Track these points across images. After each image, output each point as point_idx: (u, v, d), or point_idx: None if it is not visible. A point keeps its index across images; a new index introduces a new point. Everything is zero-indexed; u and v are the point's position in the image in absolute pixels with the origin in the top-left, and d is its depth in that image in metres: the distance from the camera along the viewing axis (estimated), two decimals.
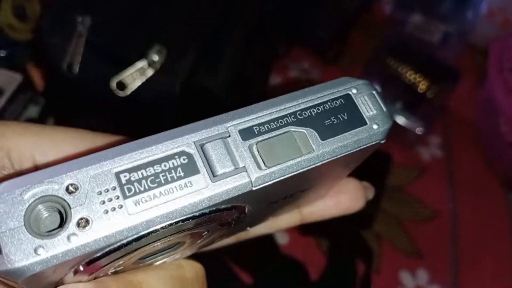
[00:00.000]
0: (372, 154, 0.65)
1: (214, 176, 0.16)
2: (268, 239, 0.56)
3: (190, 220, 0.16)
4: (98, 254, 0.15)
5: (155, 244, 0.17)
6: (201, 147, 0.16)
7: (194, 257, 0.24)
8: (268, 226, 0.27)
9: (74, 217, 0.14)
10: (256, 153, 0.16)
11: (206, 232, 0.19)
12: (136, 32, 0.52)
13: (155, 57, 0.49)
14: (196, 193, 0.15)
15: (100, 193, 0.14)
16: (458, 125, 0.75)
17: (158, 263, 0.21)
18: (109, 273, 0.18)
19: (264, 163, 0.16)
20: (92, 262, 0.15)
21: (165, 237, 0.16)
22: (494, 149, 0.67)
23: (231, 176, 0.16)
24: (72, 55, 0.50)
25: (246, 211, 0.18)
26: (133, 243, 0.15)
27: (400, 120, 0.67)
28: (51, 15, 0.52)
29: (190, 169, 0.16)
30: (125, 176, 0.15)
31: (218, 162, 0.16)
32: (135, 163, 0.15)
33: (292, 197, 0.21)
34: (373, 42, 0.84)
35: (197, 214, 0.16)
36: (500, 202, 0.66)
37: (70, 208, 0.14)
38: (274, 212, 0.24)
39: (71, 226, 0.14)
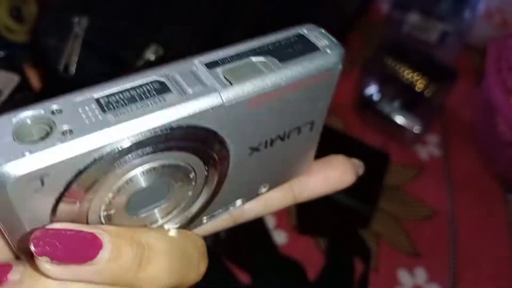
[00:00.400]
0: (370, 153, 0.65)
1: (185, 94, 0.17)
2: (266, 239, 0.56)
3: (169, 130, 0.17)
4: (84, 164, 0.16)
5: (139, 170, 0.18)
6: (172, 77, 0.18)
7: None
8: (263, 206, 0.26)
9: (59, 129, 0.15)
10: (222, 77, 0.18)
11: (192, 173, 0.20)
12: (133, 32, 0.51)
13: (152, 57, 0.49)
14: (170, 105, 0.17)
15: (82, 111, 0.16)
16: (456, 125, 0.75)
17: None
18: (102, 217, 0.18)
19: (230, 83, 0.18)
20: (79, 175, 0.16)
21: (148, 156, 0.17)
22: (492, 149, 0.67)
23: (201, 92, 0.18)
24: (68, 56, 0.50)
25: (225, 141, 0.20)
26: (116, 150, 0.16)
27: (398, 119, 0.68)
28: (48, 16, 0.52)
29: (163, 90, 0.17)
30: (104, 100, 0.17)
31: (188, 85, 0.18)
32: (113, 90, 0.17)
33: (274, 147, 0.22)
34: (371, 42, 0.84)
35: (174, 125, 0.17)
36: (498, 201, 0.66)
37: (55, 124, 0.16)
38: (261, 175, 0.24)
39: (56, 134, 0.15)
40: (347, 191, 0.58)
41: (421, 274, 0.57)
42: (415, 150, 0.70)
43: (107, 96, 0.17)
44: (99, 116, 0.16)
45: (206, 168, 0.20)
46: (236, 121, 0.19)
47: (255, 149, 0.22)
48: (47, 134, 0.15)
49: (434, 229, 0.61)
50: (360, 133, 0.70)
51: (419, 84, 0.70)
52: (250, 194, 0.25)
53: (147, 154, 0.17)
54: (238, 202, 0.25)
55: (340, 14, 0.78)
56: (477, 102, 0.73)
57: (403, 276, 0.56)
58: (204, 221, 0.24)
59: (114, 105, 0.17)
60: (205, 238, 0.25)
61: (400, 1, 0.84)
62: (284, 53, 0.20)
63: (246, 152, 0.21)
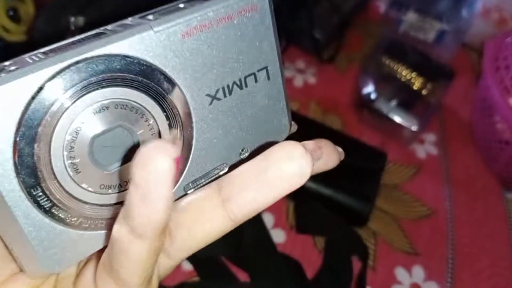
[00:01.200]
0: (368, 152, 0.64)
1: (117, 32, 0.19)
2: (264, 238, 0.56)
3: (106, 59, 0.19)
4: (31, 93, 0.17)
5: (91, 109, 0.19)
6: (109, 28, 0.20)
7: (189, 257, 0.24)
8: None
9: (7, 69, 0.17)
10: (151, 17, 0.21)
11: (152, 120, 0.21)
12: None
13: None
14: (103, 38, 0.19)
15: (29, 59, 0.18)
16: (454, 124, 0.75)
17: None
18: (67, 166, 0.19)
19: (159, 18, 0.20)
20: (29, 105, 0.17)
21: (95, 91, 0.19)
22: (490, 148, 0.67)
23: (132, 26, 0.20)
24: None
25: (173, 79, 0.21)
26: (60, 80, 0.18)
27: (396, 117, 0.68)
28: (44, 15, 0.52)
29: (100, 34, 0.20)
30: (49, 50, 0.19)
31: (122, 27, 0.20)
32: (58, 44, 0.19)
33: (234, 97, 0.23)
34: (368, 41, 0.84)
35: (110, 53, 0.19)
36: (496, 200, 0.66)
37: (5, 68, 0.18)
38: (235, 134, 0.24)
39: (4, 72, 0.17)
40: (345, 190, 0.58)
41: (419, 273, 0.57)
42: (412, 149, 0.70)
43: (52, 48, 0.19)
44: (42, 57, 0.18)
45: (165, 115, 0.21)
46: (175, 55, 0.20)
47: (213, 97, 0.22)
48: None
49: (432, 227, 0.61)
50: (358, 132, 0.70)
51: (417, 83, 0.71)
52: (232, 159, 0.25)
53: (94, 88, 0.19)
54: (222, 168, 0.24)
55: (336, 14, 0.78)
56: (475, 100, 0.73)
57: (401, 274, 0.56)
58: (189, 191, 0.23)
59: (56, 50, 0.19)
60: None
61: (397, 0, 0.84)
62: None
63: (205, 100, 0.22)
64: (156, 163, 0.15)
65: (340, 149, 0.25)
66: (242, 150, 0.25)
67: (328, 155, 0.24)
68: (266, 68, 0.24)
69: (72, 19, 0.50)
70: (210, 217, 0.20)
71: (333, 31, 0.78)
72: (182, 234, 0.21)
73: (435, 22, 0.81)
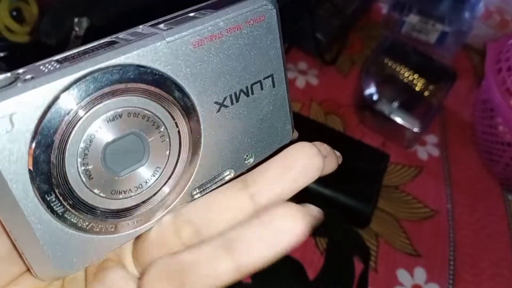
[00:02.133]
0: (371, 153, 0.64)
1: (130, 42, 0.20)
2: None
3: (120, 69, 0.19)
4: (47, 102, 0.18)
5: (104, 116, 0.19)
6: (120, 37, 0.21)
7: None
8: None
9: (22, 78, 0.17)
10: (163, 27, 0.21)
11: (163, 127, 0.21)
12: None
13: None
14: (117, 48, 0.19)
15: (43, 67, 0.18)
16: (456, 125, 0.75)
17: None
18: (81, 173, 0.19)
19: (171, 28, 0.20)
20: (45, 114, 0.18)
21: (109, 100, 0.19)
22: (491, 149, 0.67)
23: (145, 35, 0.20)
24: None
25: (183, 88, 0.21)
26: (75, 89, 0.18)
27: (398, 119, 0.68)
28: (48, 17, 0.52)
29: (112, 43, 0.20)
30: (62, 58, 0.19)
31: (134, 36, 0.20)
32: (70, 52, 0.20)
33: (241, 104, 0.23)
34: (370, 42, 0.84)
35: (123, 63, 0.19)
36: (497, 202, 0.66)
37: (19, 77, 0.18)
38: (240, 140, 0.25)
39: (19, 81, 0.17)
40: (347, 191, 0.58)
41: (420, 274, 0.57)
42: (414, 150, 0.70)
43: (65, 56, 0.19)
44: (57, 66, 0.18)
45: (175, 122, 0.21)
46: (186, 65, 0.21)
47: (221, 105, 0.23)
48: (11, 83, 0.17)
49: (433, 229, 0.61)
50: (359, 133, 0.70)
51: (419, 84, 0.71)
52: (237, 164, 0.25)
53: (108, 97, 0.19)
54: (227, 173, 0.25)
55: (339, 16, 0.78)
56: (476, 102, 0.73)
57: (403, 276, 0.56)
58: (196, 195, 0.24)
59: (70, 59, 0.19)
60: None
61: (399, 1, 0.84)
62: (219, 5, 0.22)
63: (213, 107, 0.23)
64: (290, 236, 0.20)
65: (338, 153, 0.26)
66: (247, 156, 0.25)
67: (327, 159, 0.24)
68: (271, 75, 0.24)
69: (76, 20, 0.50)
70: (239, 211, 0.22)
71: (335, 32, 0.78)
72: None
73: (437, 24, 0.81)
